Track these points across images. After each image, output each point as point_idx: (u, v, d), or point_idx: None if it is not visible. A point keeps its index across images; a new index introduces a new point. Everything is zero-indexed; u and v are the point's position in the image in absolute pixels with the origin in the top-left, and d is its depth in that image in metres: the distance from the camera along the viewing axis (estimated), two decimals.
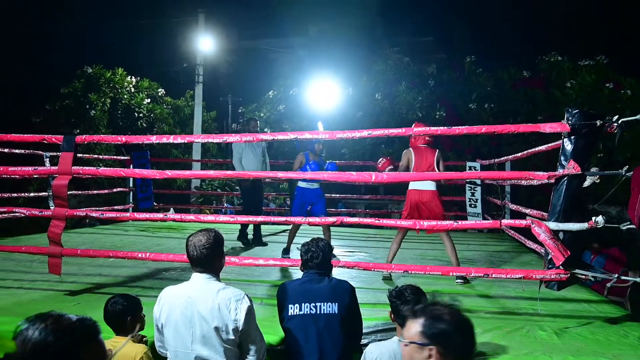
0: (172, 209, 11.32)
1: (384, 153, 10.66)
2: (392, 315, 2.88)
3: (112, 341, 2.82)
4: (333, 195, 10.42)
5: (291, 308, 2.95)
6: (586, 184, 3.77)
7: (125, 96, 15.00)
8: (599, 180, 3.77)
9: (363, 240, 8.23)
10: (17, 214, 5.82)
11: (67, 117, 13.99)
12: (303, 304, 2.95)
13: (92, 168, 5.02)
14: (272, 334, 3.32)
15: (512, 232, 6.98)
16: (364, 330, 3.30)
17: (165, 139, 4.91)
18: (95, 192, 10.64)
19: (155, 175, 4.89)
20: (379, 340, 3.08)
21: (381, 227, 8.12)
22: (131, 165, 9.35)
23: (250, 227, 7.31)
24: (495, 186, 8.18)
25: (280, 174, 4.87)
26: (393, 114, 12.51)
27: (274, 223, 8.48)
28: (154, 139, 5.15)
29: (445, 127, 4.27)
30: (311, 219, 5.14)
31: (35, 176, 7.51)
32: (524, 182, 6.30)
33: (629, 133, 8.77)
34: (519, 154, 6.66)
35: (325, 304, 2.95)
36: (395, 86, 12.98)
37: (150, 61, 18.33)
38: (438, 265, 5.63)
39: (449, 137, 11.56)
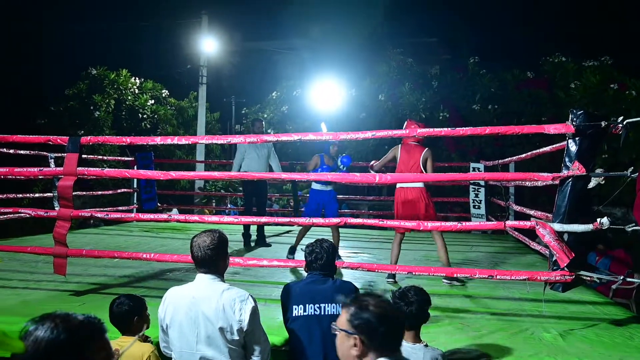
0: (175, 209, 11.35)
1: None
2: None
3: (119, 341, 2.84)
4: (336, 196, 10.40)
5: (295, 309, 2.95)
6: (591, 185, 3.76)
7: (130, 97, 15.05)
8: (603, 182, 3.76)
9: (367, 241, 8.23)
10: (22, 215, 5.83)
11: (72, 118, 14.05)
12: (307, 305, 2.94)
13: (97, 169, 5.03)
14: (276, 334, 3.32)
15: (516, 233, 6.96)
16: None
17: (169, 140, 4.92)
18: (100, 193, 10.66)
19: (160, 176, 4.90)
20: None
21: (385, 228, 8.12)
22: (135, 166, 9.38)
23: (254, 227, 7.31)
24: (499, 187, 8.17)
25: (284, 175, 4.87)
26: (396, 115, 12.51)
27: (277, 224, 8.48)
28: (158, 140, 5.15)
29: (449, 128, 4.26)
30: (315, 220, 5.13)
31: (40, 177, 7.53)
32: (528, 183, 6.29)
33: (634, 134, 8.74)
34: (523, 155, 6.65)
35: (330, 305, 2.95)
36: (399, 87, 12.98)
37: (154, 62, 18.40)
38: (442, 266, 5.62)
39: (452, 138, 11.56)
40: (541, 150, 5.77)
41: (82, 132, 13.34)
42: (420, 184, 5.30)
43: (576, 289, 4.21)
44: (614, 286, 4.05)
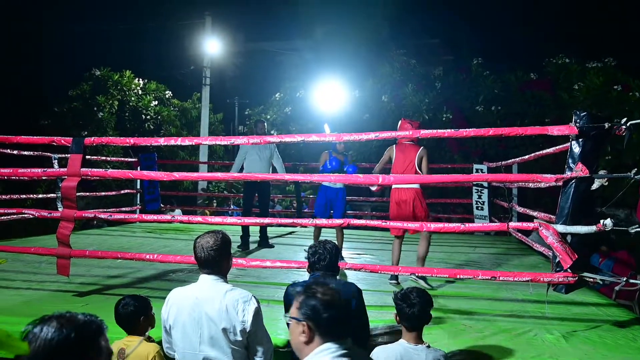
0: (177, 210, 11.37)
1: None
2: (398, 318, 2.88)
3: (125, 341, 2.86)
4: None
5: None
6: (594, 186, 3.76)
7: (133, 98, 15.07)
8: (607, 183, 3.76)
9: (370, 242, 8.22)
10: (26, 215, 5.85)
11: (75, 119, 14.08)
12: None
13: (101, 170, 5.05)
14: (279, 336, 3.33)
15: (520, 234, 6.95)
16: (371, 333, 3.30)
17: (172, 141, 4.94)
18: (103, 193, 10.69)
19: (163, 177, 4.91)
20: (386, 342, 3.08)
21: (388, 229, 8.12)
22: (139, 167, 9.40)
23: (253, 230, 7.30)
24: (503, 189, 8.16)
25: (288, 176, 4.88)
26: (400, 116, 12.47)
27: (280, 225, 8.49)
28: (162, 141, 5.17)
29: (452, 130, 4.27)
30: (318, 221, 5.14)
31: (44, 178, 7.55)
32: (531, 185, 6.28)
33: (638, 136, 8.72)
34: (527, 157, 6.65)
35: None
36: (402, 88, 12.99)
37: (158, 64, 18.43)
38: (445, 267, 5.62)
39: (455, 140, 11.57)
40: (544, 151, 5.76)
41: (86, 133, 13.36)
42: (416, 185, 5.24)
43: (579, 291, 4.20)
44: (617, 288, 4.05)
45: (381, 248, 7.59)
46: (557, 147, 5.12)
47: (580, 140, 3.73)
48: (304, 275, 3.35)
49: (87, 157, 4.99)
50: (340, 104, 13.89)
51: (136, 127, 15.05)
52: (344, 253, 6.40)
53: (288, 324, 1.91)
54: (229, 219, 6.02)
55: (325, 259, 3.09)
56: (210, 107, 16.36)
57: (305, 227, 8.64)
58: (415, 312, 2.76)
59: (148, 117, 15.31)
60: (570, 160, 3.79)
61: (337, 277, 3.20)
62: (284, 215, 12.70)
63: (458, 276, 4.30)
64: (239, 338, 2.51)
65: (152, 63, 18.23)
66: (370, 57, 15.67)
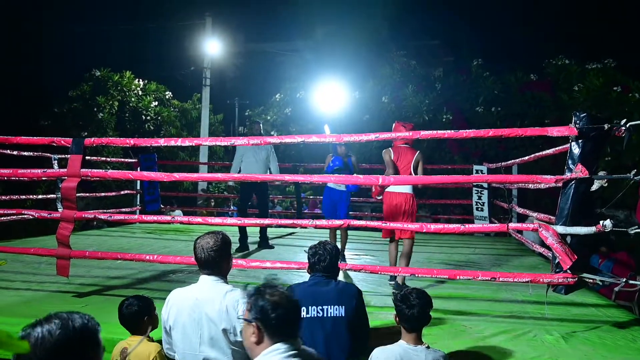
0: (178, 210, 11.36)
1: None
2: (397, 319, 2.88)
3: (128, 340, 2.87)
4: None
5: None
6: (594, 187, 3.76)
7: (133, 99, 15.08)
8: (606, 184, 3.76)
9: (369, 243, 8.22)
10: (25, 216, 5.85)
11: (75, 120, 14.08)
12: (310, 307, 2.94)
13: (101, 171, 5.05)
14: None
15: (519, 235, 6.96)
16: None
17: (173, 142, 4.94)
18: (103, 194, 10.69)
19: (163, 178, 4.91)
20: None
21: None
22: (139, 168, 9.40)
23: (255, 230, 7.29)
24: (503, 189, 8.16)
25: (288, 177, 4.88)
26: (400, 117, 12.51)
27: (280, 226, 8.49)
28: (162, 141, 5.17)
29: (452, 131, 4.27)
30: (318, 222, 5.14)
31: (44, 178, 7.55)
32: (531, 186, 6.28)
33: (637, 137, 8.72)
34: (526, 158, 6.65)
35: (332, 307, 2.95)
36: (402, 89, 13.00)
37: (158, 64, 18.43)
38: (444, 268, 5.62)
39: (455, 141, 11.58)
40: (544, 152, 5.77)
41: (86, 133, 13.36)
42: (409, 190, 5.18)
43: (579, 292, 4.21)
44: (616, 288, 4.05)
45: (381, 249, 7.58)
46: (557, 148, 5.13)
47: (580, 141, 3.74)
48: (305, 276, 3.35)
49: (87, 157, 4.99)
50: (341, 105, 13.90)
51: (136, 127, 15.06)
52: (345, 254, 6.40)
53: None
54: (229, 220, 6.03)
55: (325, 259, 3.10)
56: (211, 107, 16.38)
57: (305, 227, 8.65)
58: (414, 313, 2.76)
59: (148, 117, 15.31)
60: (570, 161, 3.79)
61: (338, 278, 3.20)
62: (284, 216, 12.70)
63: (458, 277, 4.30)
64: (239, 339, 2.51)
65: (152, 64, 18.24)
66: (370, 58, 15.70)
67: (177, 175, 4.77)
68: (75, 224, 4.93)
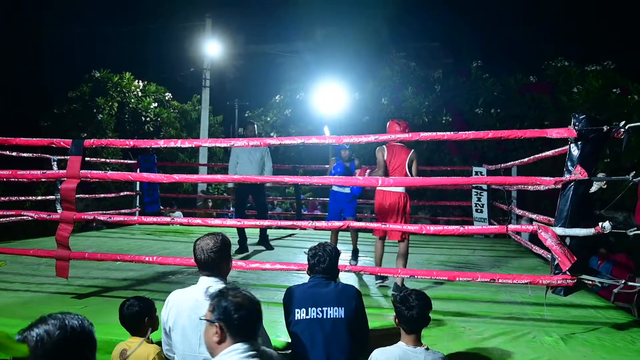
0: (178, 212, 11.36)
1: None
2: (397, 320, 2.88)
3: (128, 342, 2.87)
4: None
5: (297, 312, 2.96)
6: (593, 189, 3.76)
7: (133, 100, 15.08)
8: (605, 186, 3.77)
9: (369, 244, 8.20)
10: (25, 217, 5.86)
11: (75, 121, 14.08)
12: (309, 309, 2.95)
13: (100, 172, 5.06)
14: (279, 338, 3.33)
15: (519, 237, 6.96)
16: None
17: (172, 143, 4.95)
18: (102, 195, 10.69)
19: (163, 179, 4.91)
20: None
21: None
22: (138, 169, 9.40)
23: (254, 231, 7.28)
24: (502, 191, 8.16)
25: (287, 178, 4.88)
26: (399, 119, 12.51)
27: (279, 227, 8.48)
28: (162, 143, 5.17)
29: (452, 132, 4.28)
30: (317, 224, 5.13)
31: (43, 180, 7.56)
32: (530, 188, 6.29)
33: (636, 138, 8.74)
34: (526, 159, 6.65)
35: (332, 308, 2.95)
36: (402, 91, 13.00)
37: (158, 65, 18.48)
38: (444, 270, 5.62)
39: (455, 142, 11.58)
40: (543, 154, 5.77)
41: (85, 134, 13.37)
42: (402, 189, 5.11)
43: (578, 293, 4.21)
44: (615, 290, 4.06)
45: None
46: (556, 150, 5.13)
47: (579, 143, 3.74)
48: (304, 278, 3.35)
49: (87, 159, 4.99)
50: (340, 107, 13.90)
51: (136, 129, 15.06)
52: (344, 255, 6.40)
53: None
54: (229, 221, 6.02)
55: (325, 261, 3.10)
56: (210, 109, 16.39)
57: (305, 229, 8.64)
58: (414, 314, 2.77)
59: (148, 119, 15.32)
60: (569, 163, 3.80)
61: (337, 279, 3.20)
62: (284, 218, 12.70)
63: (457, 278, 4.31)
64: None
65: (152, 65, 18.30)
66: (370, 59, 15.70)
67: (177, 177, 4.77)
68: (75, 225, 4.92)
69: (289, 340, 3.11)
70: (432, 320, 2.92)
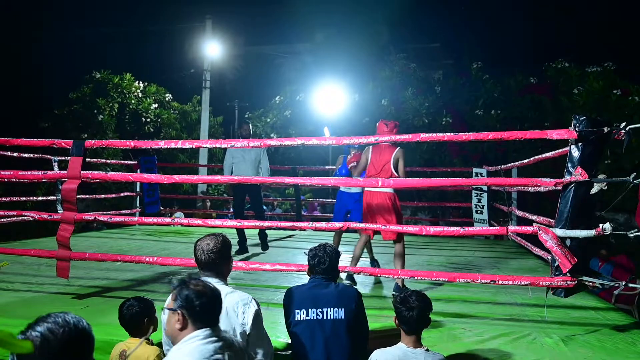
0: (179, 212, 11.37)
1: None
2: (397, 321, 2.89)
3: (127, 342, 2.87)
4: None
5: (297, 313, 2.96)
6: (593, 190, 3.76)
7: (133, 101, 15.09)
8: (606, 187, 3.77)
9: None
10: (26, 218, 5.86)
11: (75, 122, 14.09)
12: (309, 309, 2.95)
13: (101, 172, 5.06)
14: (279, 339, 3.33)
15: (519, 238, 6.96)
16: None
17: (173, 144, 4.95)
18: (103, 196, 10.69)
19: (163, 180, 4.92)
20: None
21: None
22: (139, 170, 9.41)
23: (254, 231, 7.27)
24: (502, 192, 8.17)
25: (287, 180, 4.88)
26: (399, 120, 12.50)
27: (279, 228, 8.48)
28: (162, 143, 5.17)
29: (452, 134, 4.28)
30: (317, 224, 5.13)
31: (44, 180, 7.56)
32: (530, 189, 6.29)
33: (637, 140, 8.74)
34: (526, 161, 6.66)
35: (332, 309, 2.95)
36: (402, 92, 13.00)
37: (158, 67, 18.48)
38: (444, 271, 5.62)
39: (455, 143, 11.57)
40: (544, 155, 5.77)
41: (86, 135, 13.37)
42: (389, 189, 5.01)
43: (578, 295, 4.21)
44: (616, 292, 4.06)
45: (381, 252, 7.58)
46: (557, 151, 5.14)
47: (579, 144, 3.74)
48: (304, 279, 3.35)
49: (87, 159, 4.99)
50: (340, 108, 13.91)
51: (136, 129, 15.07)
52: (344, 256, 6.39)
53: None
54: (229, 222, 6.02)
55: (325, 262, 3.10)
56: (210, 110, 16.39)
57: (305, 230, 8.65)
58: (414, 315, 2.77)
59: (148, 119, 15.32)
60: (569, 165, 3.80)
61: (337, 280, 3.20)
62: (284, 219, 12.70)
63: (457, 280, 4.31)
64: (239, 340, 2.52)
65: (152, 66, 18.29)
66: (370, 60, 15.71)
67: (177, 177, 4.77)
68: (75, 226, 4.92)
69: (289, 341, 3.12)
70: (432, 321, 2.92)
